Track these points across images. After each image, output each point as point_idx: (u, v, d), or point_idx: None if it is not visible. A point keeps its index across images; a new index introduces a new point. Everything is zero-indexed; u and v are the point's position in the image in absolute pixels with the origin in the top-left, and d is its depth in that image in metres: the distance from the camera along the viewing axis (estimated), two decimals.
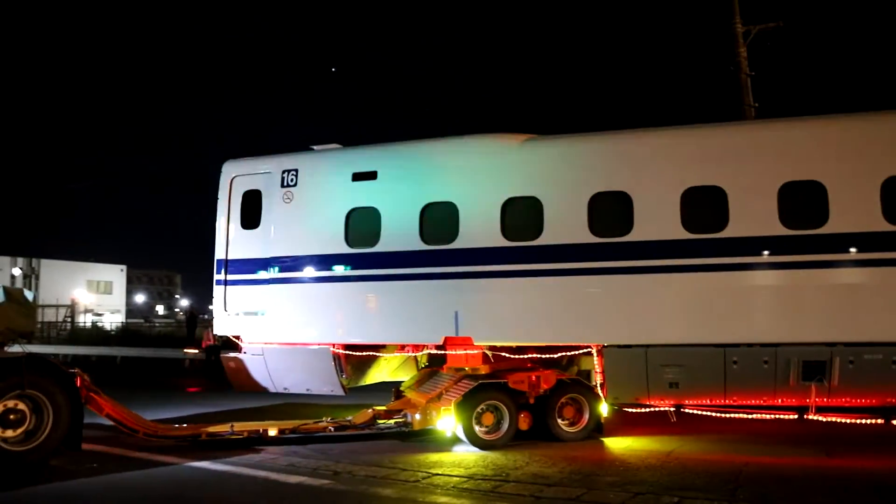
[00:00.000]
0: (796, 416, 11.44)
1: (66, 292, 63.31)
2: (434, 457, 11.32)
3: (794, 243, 11.12)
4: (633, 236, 11.61)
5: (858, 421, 11.24)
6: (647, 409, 12.01)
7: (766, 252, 11.18)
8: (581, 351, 12.10)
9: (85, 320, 58.58)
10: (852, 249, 10.92)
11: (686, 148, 11.82)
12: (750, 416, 11.69)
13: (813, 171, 11.21)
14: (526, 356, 12.51)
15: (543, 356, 12.49)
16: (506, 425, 12.25)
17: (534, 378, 12.36)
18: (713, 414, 11.67)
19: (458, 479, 9.77)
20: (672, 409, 11.85)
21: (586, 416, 12.61)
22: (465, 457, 11.29)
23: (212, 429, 12.50)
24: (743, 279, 11.21)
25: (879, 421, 11.20)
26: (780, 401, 11.38)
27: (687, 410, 11.83)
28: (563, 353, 12.31)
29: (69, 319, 53.92)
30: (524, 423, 12.42)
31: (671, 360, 11.43)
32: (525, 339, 12.15)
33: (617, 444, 12.16)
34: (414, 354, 13.48)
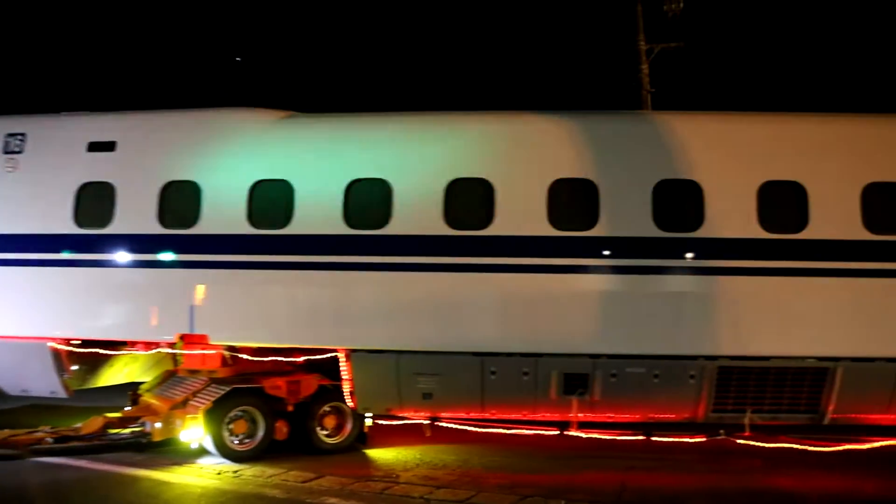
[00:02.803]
0: (558, 433, 10.48)
1: None
2: (325, 458, 10.76)
3: (559, 245, 10.13)
4: (389, 230, 10.37)
5: (619, 438, 10.38)
6: (401, 422, 10.85)
7: (530, 254, 10.14)
8: (327, 355, 10.79)
9: None
10: (617, 255, 10.01)
11: (454, 136, 10.63)
12: (511, 431, 10.66)
13: (585, 170, 10.23)
14: (268, 358, 11.13)
15: (285, 359, 11.15)
16: (260, 434, 10.94)
17: (293, 384, 11.08)
18: (470, 428, 10.61)
19: (346, 479, 9.49)
20: (427, 421, 10.72)
21: (349, 425, 11.51)
22: (356, 457, 10.91)
23: None
24: (503, 283, 10.16)
25: (640, 437, 10.37)
26: (541, 415, 10.44)
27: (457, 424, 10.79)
28: (308, 357, 10.97)
29: None
30: (281, 432, 11.11)
31: (425, 368, 10.31)
32: (264, 339, 10.76)
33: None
34: (147, 353, 11.85)
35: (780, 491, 9.29)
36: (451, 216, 10.29)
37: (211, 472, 9.98)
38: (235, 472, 9.94)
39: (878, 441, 10.10)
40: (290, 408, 11.12)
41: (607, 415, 10.39)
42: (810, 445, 10.15)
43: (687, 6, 22.66)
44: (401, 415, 10.72)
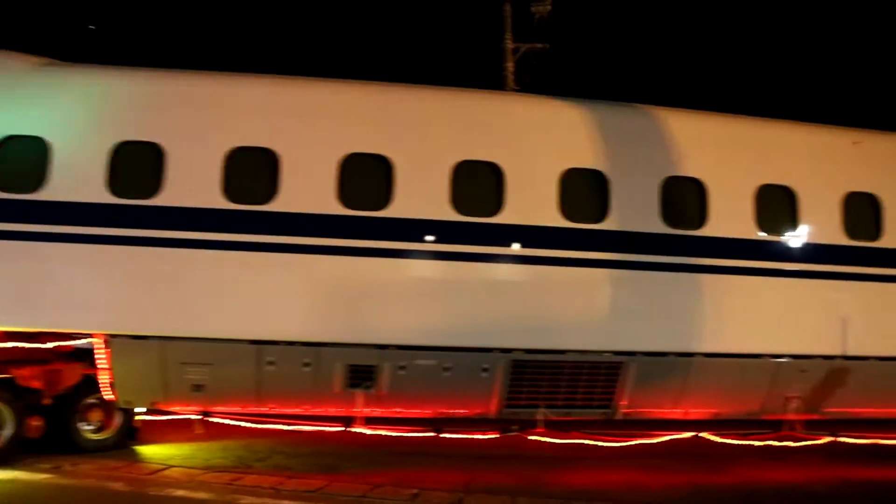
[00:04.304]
0: (343, 428, 9.66)
1: None
2: (169, 449, 10.17)
3: (346, 226, 9.29)
4: (158, 200, 9.17)
5: (408, 435, 9.70)
6: (171, 417, 9.74)
7: (313, 234, 9.24)
8: (84, 341, 9.49)
9: None
10: (406, 239, 9.36)
11: (235, 101, 9.56)
12: (291, 428, 9.75)
13: (381, 145, 9.44)
14: (10, 344, 9.69)
15: (31, 345, 9.77)
16: (7, 433, 9.48)
17: (51, 373, 9.83)
18: (245, 424, 9.63)
19: (195, 471, 9.02)
20: (199, 416, 9.65)
21: (117, 419, 10.32)
22: (204, 447, 10.15)
23: None
24: (282, 264, 9.22)
25: (430, 434, 9.75)
26: (324, 409, 9.61)
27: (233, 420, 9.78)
28: (60, 343, 9.64)
29: None
30: (34, 429, 9.69)
31: (195, 357, 9.22)
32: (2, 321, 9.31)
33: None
34: None
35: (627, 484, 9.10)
36: (230, 188, 9.23)
37: (46, 465, 9.12)
38: (74, 464, 9.21)
39: (666, 435, 9.96)
40: (48, 401, 9.78)
41: (395, 409, 9.74)
42: (602, 441, 9.86)
43: (555, 9, 23.31)
44: (168, 409, 9.61)
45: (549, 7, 23.24)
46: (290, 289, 9.22)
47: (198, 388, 9.32)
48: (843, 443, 10.41)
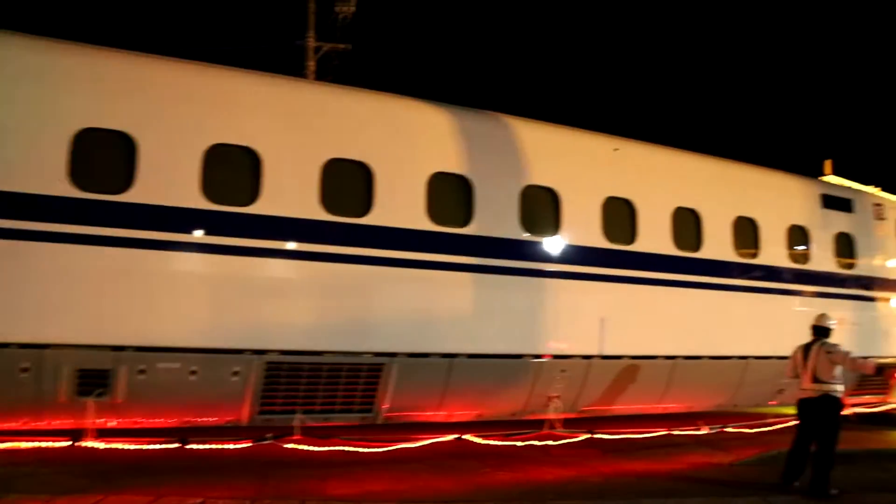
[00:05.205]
0: (70, 443, 8.47)
1: None
2: None
3: (81, 211, 8.25)
4: None
5: (150, 447, 8.68)
6: None
7: (36, 218, 8.13)
8: None
9: None
10: (151, 228, 8.40)
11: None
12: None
13: (118, 121, 8.49)
14: None
15: None
16: None
17: None
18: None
19: None
20: None
21: None
22: None
23: None
24: (25, 252, 7.97)
25: (175, 445, 8.79)
26: (48, 422, 8.43)
27: None
28: None
29: None
30: None
31: None
32: None
33: None
34: None
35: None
36: None
37: None
38: None
39: (429, 438, 9.71)
40: None
41: (135, 419, 8.76)
42: (362, 447, 9.41)
43: (359, 10, 23.52)
44: None
45: (353, 8, 23.41)
46: (1, 281, 8.00)
47: None
48: (602, 439, 10.66)
